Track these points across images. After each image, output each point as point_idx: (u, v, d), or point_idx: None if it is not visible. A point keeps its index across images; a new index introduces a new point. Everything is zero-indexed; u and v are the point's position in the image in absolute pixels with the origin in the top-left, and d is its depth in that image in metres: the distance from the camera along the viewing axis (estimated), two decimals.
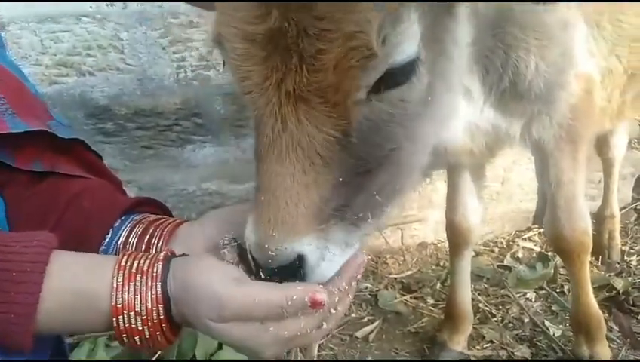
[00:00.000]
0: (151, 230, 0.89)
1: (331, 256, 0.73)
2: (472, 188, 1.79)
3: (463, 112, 1.22)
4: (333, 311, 0.74)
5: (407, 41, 0.68)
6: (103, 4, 1.94)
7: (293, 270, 0.71)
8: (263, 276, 0.73)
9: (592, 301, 1.76)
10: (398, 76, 0.70)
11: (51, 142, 0.94)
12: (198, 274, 0.72)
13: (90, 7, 1.93)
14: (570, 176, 1.47)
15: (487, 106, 1.27)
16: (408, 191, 0.84)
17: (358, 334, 2.01)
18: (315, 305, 0.69)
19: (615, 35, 1.42)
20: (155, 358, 1.66)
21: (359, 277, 0.78)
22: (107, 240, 0.89)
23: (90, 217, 0.90)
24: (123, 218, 0.91)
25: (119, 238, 0.89)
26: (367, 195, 0.74)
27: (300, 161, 0.68)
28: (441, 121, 0.85)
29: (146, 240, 0.88)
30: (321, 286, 0.72)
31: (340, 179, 0.70)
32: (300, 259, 0.70)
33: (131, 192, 2.07)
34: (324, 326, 0.75)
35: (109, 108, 2.06)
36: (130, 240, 0.88)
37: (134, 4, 1.95)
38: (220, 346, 1.69)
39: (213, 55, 2.05)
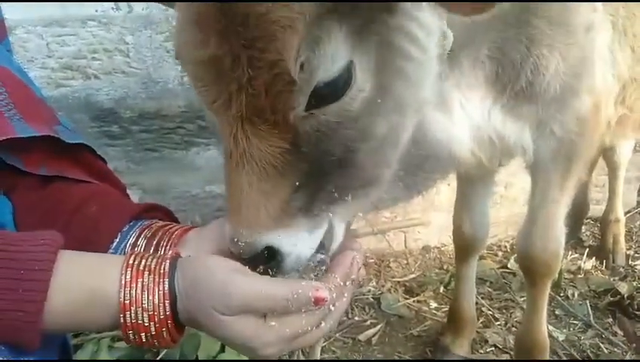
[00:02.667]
0: (159, 234, 0.90)
1: (301, 241, 0.77)
2: (481, 195, 1.78)
3: (463, 114, 1.16)
4: (332, 308, 0.76)
5: (331, 60, 0.69)
6: (109, 8, 1.95)
7: (265, 260, 0.76)
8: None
9: (543, 327, 1.69)
10: (329, 92, 0.71)
11: (57, 146, 0.95)
12: (205, 268, 0.73)
13: (96, 10, 1.95)
14: (555, 195, 1.41)
15: (497, 109, 1.21)
16: (383, 182, 0.86)
17: (361, 337, 2.01)
18: (318, 301, 0.71)
19: None
20: (158, 358, 1.67)
21: (354, 277, 0.79)
22: (115, 244, 0.90)
23: (99, 222, 0.91)
24: (131, 223, 0.92)
25: (127, 242, 0.90)
26: (328, 194, 0.78)
27: (254, 171, 0.73)
28: (407, 113, 0.83)
29: (154, 243, 0.89)
30: (322, 283, 0.74)
31: (297, 183, 0.74)
32: (270, 250, 0.75)
33: (135, 195, 2.09)
34: (323, 325, 0.76)
35: (114, 111, 2.08)
36: (138, 243, 0.89)
37: (139, 8, 1.97)
38: (222, 348, 1.69)
39: None
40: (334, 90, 0.72)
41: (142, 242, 0.89)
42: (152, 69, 2.04)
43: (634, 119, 1.52)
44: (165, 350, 1.67)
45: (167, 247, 0.89)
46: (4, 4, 1.09)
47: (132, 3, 1.96)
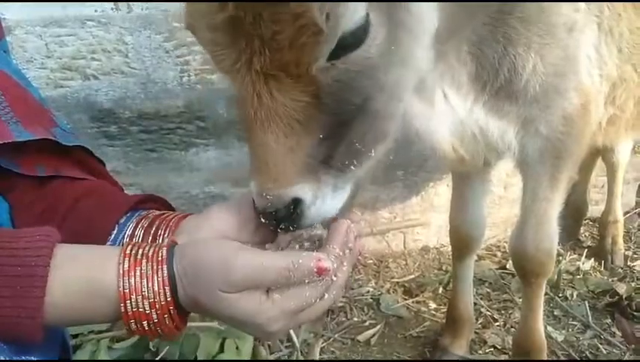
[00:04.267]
0: (157, 223, 0.90)
1: (323, 196, 0.81)
2: (476, 194, 1.78)
3: (446, 107, 1.18)
4: (334, 278, 0.76)
5: (353, 9, 0.72)
6: (109, 8, 1.95)
7: (290, 213, 0.79)
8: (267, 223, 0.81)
9: (540, 327, 1.70)
10: (351, 41, 0.75)
11: (55, 148, 0.95)
12: (204, 248, 0.74)
13: (95, 11, 1.95)
14: (546, 194, 1.42)
15: (479, 107, 1.23)
16: (391, 136, 0.88)
17: (360, 338, 2.01)
18: (321, 271, 0.72)
19: (632, 42, 1.36)
20: (157, 359, 1.67)
21: (352, 245, 0.80)
22: (113, 236, 0.90)
23: (96, 215, 0.91)
24: (128, 214, 0.92)
25: (125, 233, 0.90)
26: (349, 145, 0.81)
27: (280, 128, 0.76)
28: (412, 67, 0.87)
29: (152, 232, 0.89)
30: (325, 255, 0.74)
31: (321, 136, 0.78)
32: (295, 202, 0.79)
33: None
34: (327, 296, 0.76)
35: (113, 111, 2.08)
36: (136, 233, 0.89)
37: (139, 8, 1.97)
38: (221, 348, 1.69)
39: None
40: (355, 39, 0.75)
41: (139, 232, 0.89)
42: (151, 70, 2.04)
43: (626, 119, 1.52)
44: (164, 350, 1.67)
45: (165, 235, 0.88)
46: (2, 4, 1.09)
47: (131, 3, 1.96)
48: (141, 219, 0.91)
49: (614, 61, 1.35)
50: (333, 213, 0.83)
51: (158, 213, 0.94)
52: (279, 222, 0.80)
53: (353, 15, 0.73)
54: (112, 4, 1.95)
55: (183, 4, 0.79)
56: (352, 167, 0.82)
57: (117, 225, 0.90)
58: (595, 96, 1.34)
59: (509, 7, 1.12)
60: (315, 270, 0.71)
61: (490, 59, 1.16)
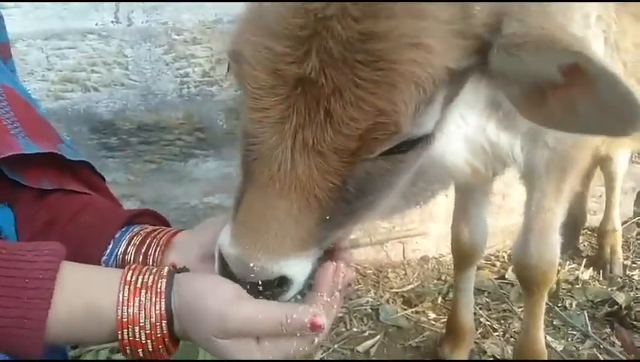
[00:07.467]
0: (148, 240, 0.92)
1: (306, 271, 0.76)
2: (478, 205, 1.79)
3: (458, 130, 1.17)
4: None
5: (430, 119, 0.72)
6: (109, 21, 1.97)
7: (272, 288, 0.74)
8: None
9: (541, 337, 1.71)
10: (409, 145, 0.72)
11: (59, 163, 0.98)
12: (201, 293, 0.73)
13: (96, 24, 1.97)
14: (550, 205, 1.44)
15: (492, 124, 1.23)
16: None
17: (359, 348, 2.00)
18: (315, 328, 0.71)
19: (637, 57, 1.39)
20: None
21: (341, 287, 0.80)
22: (108, 250, 0.91)
23: (92, 229, 0.93)
24: (124, 229, 0.94)
25: (119, 250, 0.91)
26: (346, 227, 0.79)
27: (298, 200, 0.70)
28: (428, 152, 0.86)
29: (143, 250, 0.91)
30: (320, 309, 0.73)
31: (327, 218, 0.73)
32: (282, 279, 0.74)
33: (134, 206, 2.09)
34: (315, 341, 0.76)
35: (113, 123, 2.09)
36: (128, 250, 0.91)
37: (139, 21, 1.99)
38: None
39: (216, 71, 2.08)
40: (412, 144, 0.72)
41: (131, 249, 0.91)
42: (151, 82, 2.06)
43: None
44: None
45: (157, 253, 0.90)
46: (4, 18, 1.11)
47: (131, 17, 1.99)
48: (133, 236, 0.93)
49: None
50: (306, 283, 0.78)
51: (149, 229, 0.95)
52: (254, 290, 0.75)
53: (428, 124, 0.72)
54: (112, 17, 1.97)
55: (233, 26, 0.73)
56: (337, 240, 0.81)
57: (112, 240, 0.92)
58: None
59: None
60: (309, 325, 0.71)
61: None
